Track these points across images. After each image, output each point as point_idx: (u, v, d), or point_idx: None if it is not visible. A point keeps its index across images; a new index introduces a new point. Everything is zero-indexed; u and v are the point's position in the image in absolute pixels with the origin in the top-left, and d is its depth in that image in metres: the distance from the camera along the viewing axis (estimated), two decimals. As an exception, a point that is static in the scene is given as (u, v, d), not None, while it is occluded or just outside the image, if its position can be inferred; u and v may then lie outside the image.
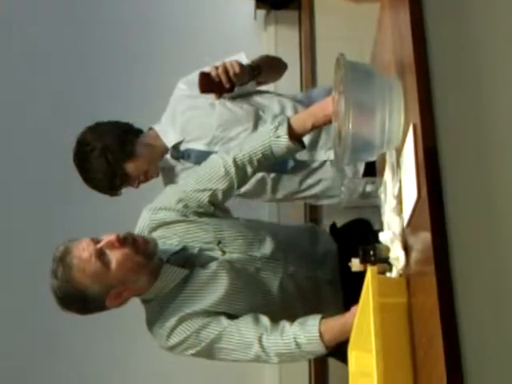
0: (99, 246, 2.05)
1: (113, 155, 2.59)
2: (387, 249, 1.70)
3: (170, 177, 2.73)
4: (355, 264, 1.87)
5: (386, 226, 1.74)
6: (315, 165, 2.65)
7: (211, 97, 2.63)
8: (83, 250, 2.03)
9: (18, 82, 3.62)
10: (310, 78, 3.74)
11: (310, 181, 2.68)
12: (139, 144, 2.67)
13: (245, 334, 2.11)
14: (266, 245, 2.27)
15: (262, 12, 4.10)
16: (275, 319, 2.13)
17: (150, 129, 2.74)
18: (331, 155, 2.61)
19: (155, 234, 2.22)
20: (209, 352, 2.16)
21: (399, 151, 1.67)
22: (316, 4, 3.97)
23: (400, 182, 1.65)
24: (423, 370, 1.41)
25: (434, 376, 1.32)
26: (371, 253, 1.75)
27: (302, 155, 2.56)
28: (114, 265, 2.04)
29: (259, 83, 2.72)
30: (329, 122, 2.04)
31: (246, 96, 2.67)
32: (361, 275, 1.72)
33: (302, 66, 3.86)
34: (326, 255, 2.38)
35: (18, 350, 3.21)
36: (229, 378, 3.26)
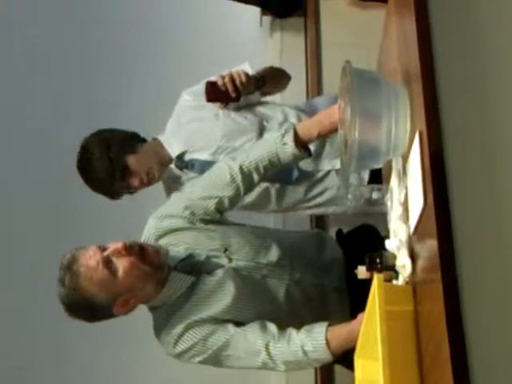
0: (106, 253, 2.05)
1: (115, 149, 2.59)
2: (393, 256, 1.69)
3: (174, 187, 2.72)
4: (361, 271, 1.86)
5: (392, 234, 1.74)
6: (320, 174, 2.65)
7: (216, 107, 2.64)
8: (90, 258, 2.04)
9: (18, 82, 3.62)
10: (315, 84, 3.74)
11: (315, 191, 2.68)
12: (143, 145, 2.69)
13: (252, 341, 2.11)
14: (273, 252, 2.26)
15: (267, 19, 4.09)
16: (282, 326, 2.13)
17: (155, 139, 2.75)
18: (336, 164, 2.62)
19: (162, 242, 2.22)
20: (216, 359, 2.16)
21: (405, 158, 1.67)
22: (322, 11, 3.97)
23: (406, 188, 1.65)
24: (430, 378, 1.41)
25: (441, 383, 1.31)
26: (377, 260, 1.75)
27: (306, 165, 2.57)
28: (120, 272, 2.04)
29: (264, 94, 2.74)
30: (335, 129, 2.03)
31: (250, 106, 2.68)
32: (367, 282, 1.72)
33: (307, 73, 3.86)
34: (332, 262, 2.38)
35: (26, 357, 3.21)
36: (235, 386, 3.25)
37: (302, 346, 2.05)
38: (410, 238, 1.63)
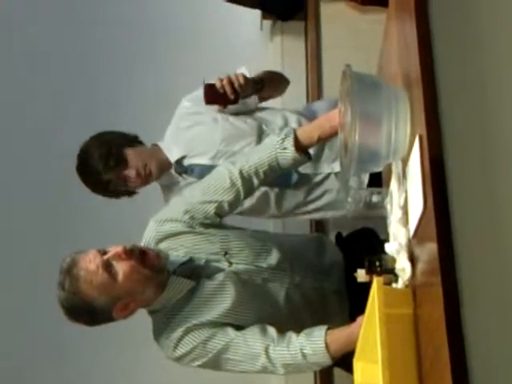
0: (106, 257, 2.05)
1: (115, 150, 2.59)
2: (393, 260, 1.69)
3: (173, 192, 2.71)
4: (361, 275, 1.86)
5: (391, 237, 1.74)
6: (319, 177, 2.65)
7: (214, 112, 2.64)
8: (90, 262, 2.04)
9: (18, 82, 3.63)
10: (316, 87, 3.74)
11: (314, 194, 2.68)
12: (143, 147, 2.69)
13: (251, 344, 2.11)
14: (273, 255, 2.26)
15: (268, 22, 4.10)
16: (282, 330, 2.13)
17: (154, 145, 2.75)
18: (335, 167, 2.62)
19: (162, 246, 2.22)
20: (215, 363, 2.16)
21: (405, 162, 1.68)
22: (322, 14, 3.96)
23: (406, 192, 1.65)
24: (429, 381, 1.41)
25: (440, 387, 1.32)
26: (377, 264, 1.75)
27: (305, 168, 2.57)
28: (120, 276, 2.04)
29: (262, 99, 2.73)
30: (335, 133, 2.03)
31: (249, 111, 2.68)
32: (367, 285, 1.72)
33: (308, 76, 3.86)
34: (332, 266, 2.38)
35: (26, 358, 3.21)
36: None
37: (301, 350, 2.05)
38: (409, 241, 1.63)
